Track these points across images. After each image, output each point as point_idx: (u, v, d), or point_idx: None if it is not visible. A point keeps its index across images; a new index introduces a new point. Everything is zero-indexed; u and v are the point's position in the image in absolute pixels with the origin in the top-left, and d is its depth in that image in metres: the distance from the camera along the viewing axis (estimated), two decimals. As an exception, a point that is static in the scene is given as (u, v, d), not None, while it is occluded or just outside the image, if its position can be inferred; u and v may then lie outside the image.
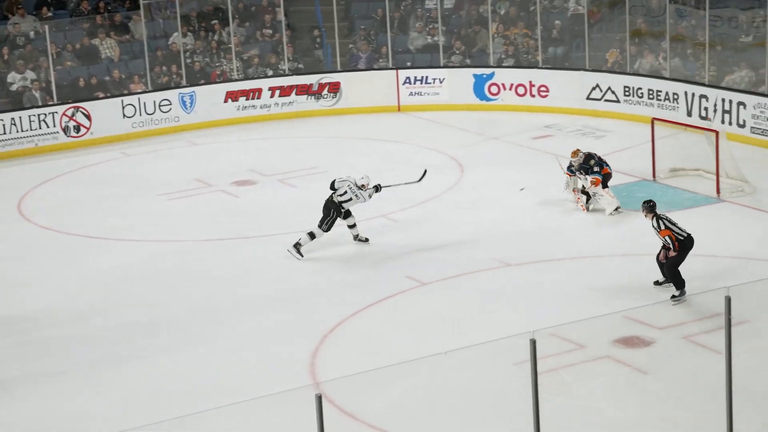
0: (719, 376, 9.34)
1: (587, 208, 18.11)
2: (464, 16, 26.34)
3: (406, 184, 17.83)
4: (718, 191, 18.27)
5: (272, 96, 25.66)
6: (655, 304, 11.90)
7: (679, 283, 14.45)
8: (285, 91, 25.72)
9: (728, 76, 22.12)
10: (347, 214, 16.91)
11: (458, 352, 9.62)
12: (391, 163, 21.33)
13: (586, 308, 13.05)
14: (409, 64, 26.08)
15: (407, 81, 25.73)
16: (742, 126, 21.23)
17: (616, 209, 17.95)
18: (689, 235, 14.57)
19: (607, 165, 18.34)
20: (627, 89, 23.58)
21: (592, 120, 23.74)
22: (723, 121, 21.31)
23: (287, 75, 25.86)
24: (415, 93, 25.69)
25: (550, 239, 16.93)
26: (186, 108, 24.98)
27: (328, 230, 16.66)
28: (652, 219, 14.90)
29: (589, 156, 18.31)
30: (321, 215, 16.62)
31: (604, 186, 18.14)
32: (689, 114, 22.12)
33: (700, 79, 22.42)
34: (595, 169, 18.24)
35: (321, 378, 12.61)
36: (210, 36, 26.06)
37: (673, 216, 17.52)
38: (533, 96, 24.82)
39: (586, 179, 18.09)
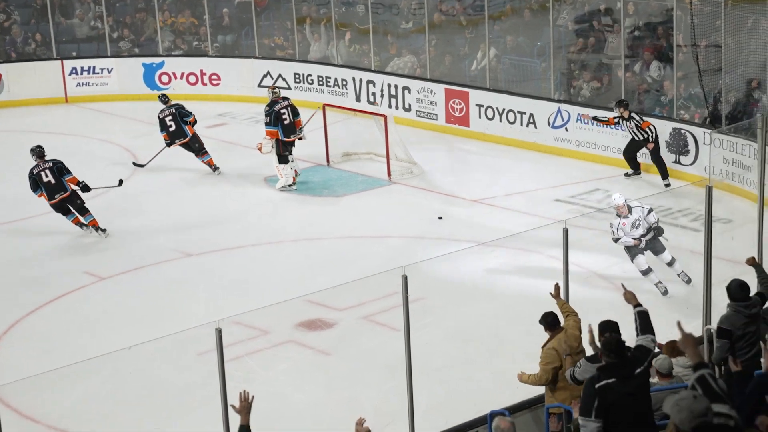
0: (399, 352, 9.64)
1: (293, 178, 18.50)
2: (130, 3, 25.85)
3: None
4: (389, 173, 18.88)
5: (-76, 91, 24.31)
6: (335, 287, 12.13)
7: (666, 172, 17.43)
8: (-61, 86, 24.43)
9: (392, 62, 22.87)
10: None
11: (142, 345, 9.44)
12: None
13: (269, 294, 13.14)
14: (74, 53, 25.34)
15: (74, 71, 25.00)
16: (408, 110, 22.02)
17: (284, 187, 18.33)
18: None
19: (285, 128, 18.51)
20: (297, 76, 23.91)
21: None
22: (390, 106, 22.00)
23: (-59, 68, 24.57)
24: (83, 84, 25.01)
25: (230, 227, 16.95)
26: None
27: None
28: (630, 114, 17.19)
29: (279, 100, 18.61)
30: None
31: (284, 158, 18.38)
32: (358, 99, 22.73)
33: (366, 65, 23.06)
34: (266, 120, 18.57)
35: (-3, 382, 12.11)
36: None
37: (349, 199, 18.09)
38: (205, 84, 24.74)
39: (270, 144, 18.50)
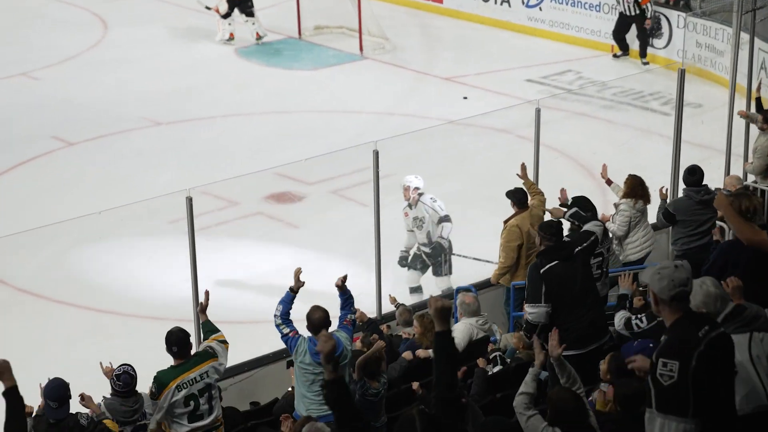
0: (367, 227, 9.70)
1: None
2: None
3: None
4: (361, 48, 18.73)
5: None
6: (306, 159, 12.11)
7: (646, 51, 17.75)
8: None
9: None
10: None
11: (112, 211, 9.45)
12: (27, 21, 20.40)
13: (238, 165, 13.12)
14: None
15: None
16: (382, -16, 21.72)
17: (221, 40, 18.81)
18: None
19: None
20: (270, -54, 23.47)
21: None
22: (364, -20, 21.69)
23: None
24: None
25: (200, 97, 16.81)
26: None
27: None
28: None
29: None
30: None
31: (227, 15, 18.69)
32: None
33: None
34: None
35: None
36: None
37: (320, 73, 17.99)
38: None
39: None
